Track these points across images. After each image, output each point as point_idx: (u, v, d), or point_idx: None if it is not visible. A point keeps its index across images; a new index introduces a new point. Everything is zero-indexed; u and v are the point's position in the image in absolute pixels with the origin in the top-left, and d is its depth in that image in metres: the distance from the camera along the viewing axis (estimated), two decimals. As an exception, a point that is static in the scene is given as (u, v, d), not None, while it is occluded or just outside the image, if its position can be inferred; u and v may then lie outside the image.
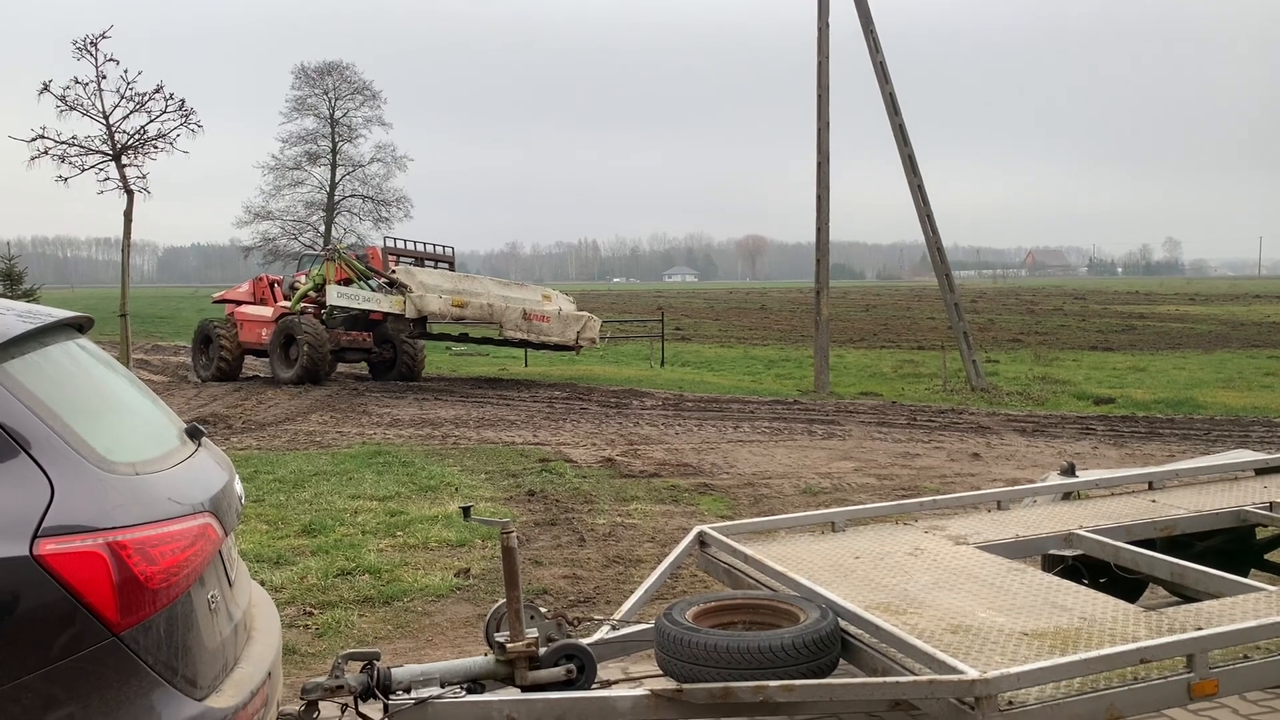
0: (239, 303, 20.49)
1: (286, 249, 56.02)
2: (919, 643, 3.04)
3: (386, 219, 56.71)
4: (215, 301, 21.79)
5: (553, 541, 7.17)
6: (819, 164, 17.86)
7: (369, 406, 15.40)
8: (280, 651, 3.07)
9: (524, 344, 19.37)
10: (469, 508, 3.67)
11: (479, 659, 3.41)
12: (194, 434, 3.04)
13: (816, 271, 18.34)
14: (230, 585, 2.80)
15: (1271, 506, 4.72)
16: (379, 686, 3.19)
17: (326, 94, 56.48)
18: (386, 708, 3.18)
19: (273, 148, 71.15)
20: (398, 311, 17.89)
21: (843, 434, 12.59)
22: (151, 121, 16.71)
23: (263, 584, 4.75)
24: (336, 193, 56.80)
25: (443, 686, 3.26)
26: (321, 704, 3.21)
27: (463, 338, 21.10)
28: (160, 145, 16.86)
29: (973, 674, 2.78)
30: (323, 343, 18.18)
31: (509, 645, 3.33)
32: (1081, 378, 19.85)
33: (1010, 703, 2.82)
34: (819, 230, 18.08)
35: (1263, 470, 5.55)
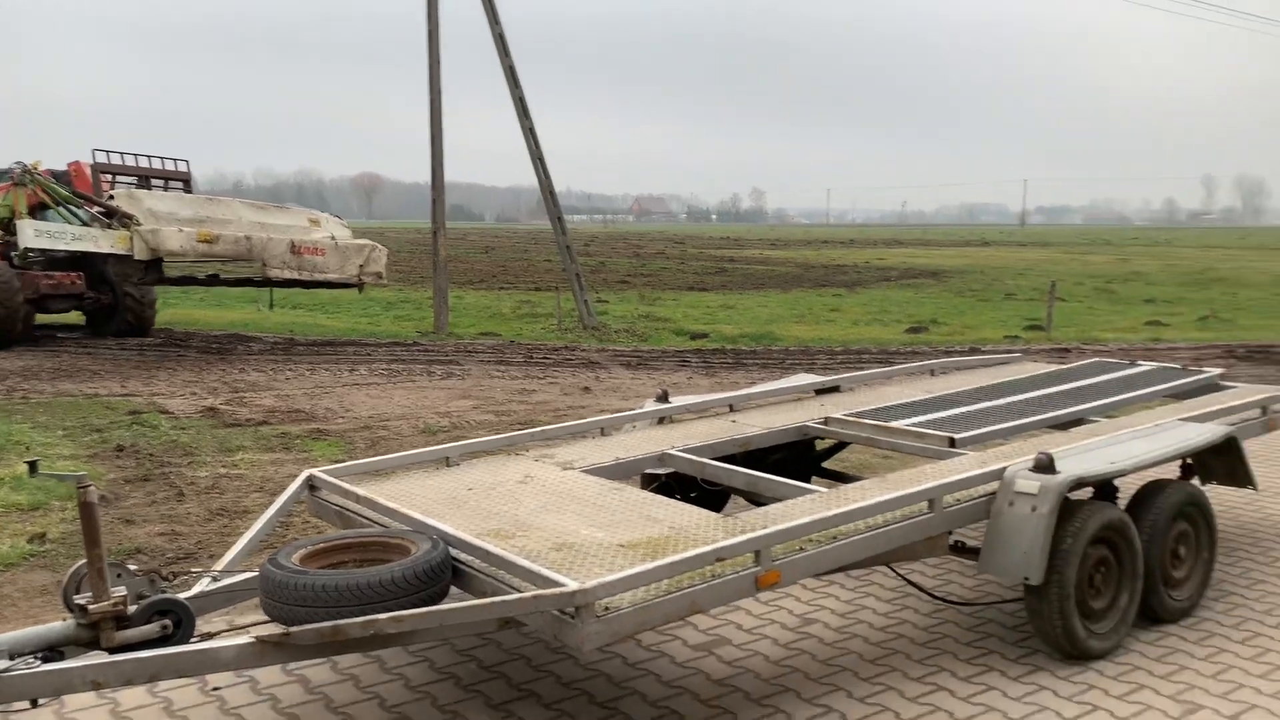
0: None
1: None
2: (525, 562, 3.20)
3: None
4: None
5: (147, 498, 6.63)
6: (431, 101, 17.63)
7: (-90, 360, 13.17)
8: None
9: (292, 283, 15.28)
10: (35, 462, 3.30)
11: (56, 625, 3.11)
12: None
13: (433, 212, 18.20)
14: None
15: (827, 421, 5.45)
16: (-70, 668, 2.81)
17: None
18: (-60, 691, 2.81)
19: None
20: (123, 251, 13.55)
21: (462, 373, 12.71)
22: None
23: None
24: None
25: (13, 659, 2.94)
26: None
27: (212, 279, 16.41)
28: None
29: (573, 586, 2.98)
30: (13, 292, 14.19)
31: (91, 607, 3.06)
32: (680, 315, 21.45)
33: (606, 609, 3.06)
34: (434, 170, 17.91)
35: (821, 390, 6.41)
